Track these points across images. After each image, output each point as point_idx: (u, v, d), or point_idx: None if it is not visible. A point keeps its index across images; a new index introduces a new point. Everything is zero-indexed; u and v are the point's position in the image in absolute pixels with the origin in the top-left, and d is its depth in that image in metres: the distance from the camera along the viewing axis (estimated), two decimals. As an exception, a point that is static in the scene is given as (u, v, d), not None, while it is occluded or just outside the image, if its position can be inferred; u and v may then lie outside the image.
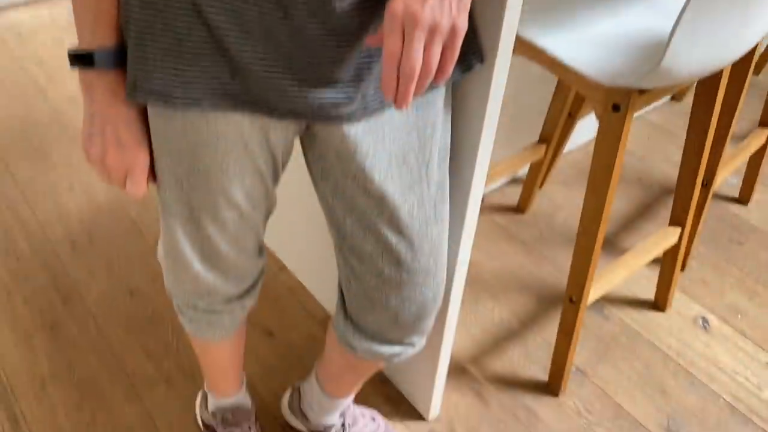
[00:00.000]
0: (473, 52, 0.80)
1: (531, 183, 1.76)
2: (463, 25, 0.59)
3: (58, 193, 1.80)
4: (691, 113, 1.29)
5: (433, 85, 0.77)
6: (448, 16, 0.58)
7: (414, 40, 0.57)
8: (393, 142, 0.78)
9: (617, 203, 1.87)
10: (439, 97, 0.81)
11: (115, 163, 0.75)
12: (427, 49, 0.59)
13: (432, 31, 0.58)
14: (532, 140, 1.84)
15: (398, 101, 0.60)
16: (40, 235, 1.67)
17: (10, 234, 1.67)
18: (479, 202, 0.98)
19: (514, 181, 1.92)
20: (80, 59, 0.70)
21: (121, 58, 0.71)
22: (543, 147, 1.66)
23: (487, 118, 0.88)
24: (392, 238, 0.82)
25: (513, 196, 1.86)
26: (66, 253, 1.62)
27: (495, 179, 1.60)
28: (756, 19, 0.98)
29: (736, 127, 2.20)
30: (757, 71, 2.43)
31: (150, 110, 0.74)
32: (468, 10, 0.61)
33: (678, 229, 1.43)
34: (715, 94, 1.24)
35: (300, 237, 1.50)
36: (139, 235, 1.68)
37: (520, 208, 1.82)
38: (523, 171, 1.93)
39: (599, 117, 1.09)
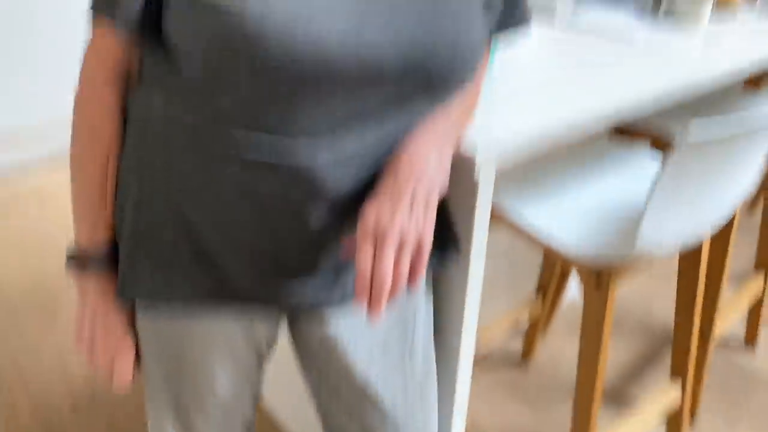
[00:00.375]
0: (449, 244, 0.85)
1: (532, 334, 1.76)
2: (428, 239, 0.64)
3: (64, 353, 1.82)
4: (678, 272, 1.31)
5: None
6: (415, 227, 0.63)
7: (384, 256, 0.62)
8: (374, 331, 0.81)
9: (618, 352, 1.86)
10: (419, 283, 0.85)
11: (103, 352, 0.78)
12: (396, 262, 0.63)
13: (401, 245, 0.63)
14: (531, 288, 1.86)
15: (371, 310, 0.63)
16: (42, 395, 1.67)
17: (13, 393, 1.68)
18: (468, 380, 0.99)
19: (516, 330, 1.92)
20: (76, 262, 0.75)
21: (114, 256, 0.76)
22: (540, 298, 1.68)
23: (468, 299, 0.91)
24: (377, 424, 0.83)
25: (515, 346, 1.86)
26: (66, 415, 1.62)
27: (493, 337, 1.61)
28: (725, 195, 1.03)
29: (731, 269, 2.21)
30: (749, 210, 2.48)
31: (138, 307, 0.78)
32: (434, 219, 0.66)
33: (679, 383, 1.41)
34: (699, 254, 1.27)
35: (299, 399, 1.49)
36: (140, 396, 1.68)
37: (522, 359, 1.81)
38: (524, 321, 1.94)
39: (583, 285, 1.12)
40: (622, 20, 1.40)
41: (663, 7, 1.37)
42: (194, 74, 0.63)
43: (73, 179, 0.74)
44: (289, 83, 0.60)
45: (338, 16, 0.60)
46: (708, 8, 1.34)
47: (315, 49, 0.58)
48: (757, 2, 1.54)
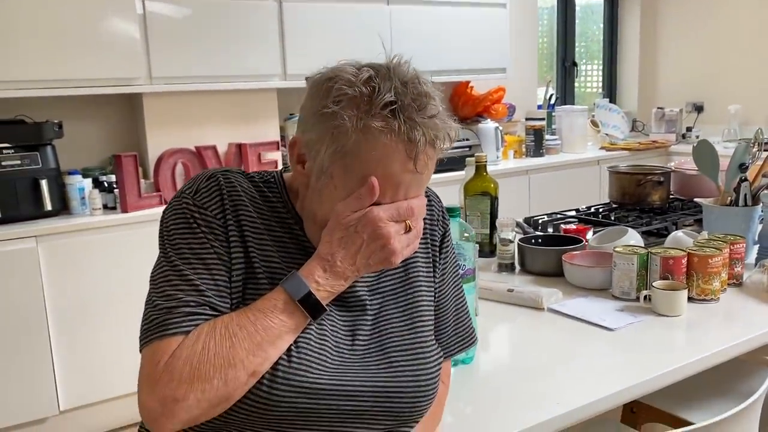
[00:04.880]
0: None
1: None
2: None
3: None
4: None
5: None
6: None
7: None
8: None
9: None
10: None
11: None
12: None
13: None
14: None
15: None
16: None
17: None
18: None
19: None
20: None
21: None
22: None
23: None
24: None
25: None
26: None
27: None
28: None
29: None
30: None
31: None
32: None
33: None
34: None
35: None
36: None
37: None
38: None
39: None
40: (603, 307, 1.52)
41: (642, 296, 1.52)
42: None
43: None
44: (289, 415, 0.86)
45: (327, 370, 0.89)
46: (684, 298, 1.48)
47: (309, 392, 0.86)
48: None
